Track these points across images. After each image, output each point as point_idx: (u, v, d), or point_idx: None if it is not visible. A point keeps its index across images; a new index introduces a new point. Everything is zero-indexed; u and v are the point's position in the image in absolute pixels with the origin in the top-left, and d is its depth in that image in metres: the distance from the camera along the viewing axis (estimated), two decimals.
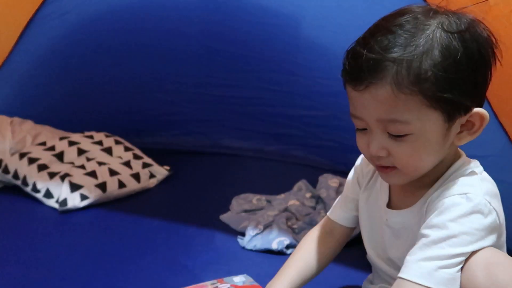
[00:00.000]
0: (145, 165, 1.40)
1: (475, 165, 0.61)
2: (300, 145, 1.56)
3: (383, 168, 0.59)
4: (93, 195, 1.23)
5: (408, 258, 0.56)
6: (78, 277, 0.92)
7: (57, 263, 0.97)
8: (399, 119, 0.54)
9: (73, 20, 1.44)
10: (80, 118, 1.62)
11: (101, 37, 1.48)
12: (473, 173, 0.59)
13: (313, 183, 1.32)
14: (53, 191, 1.23)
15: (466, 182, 0.58)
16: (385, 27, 0.55)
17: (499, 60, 0.58)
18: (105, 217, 1.20)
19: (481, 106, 0.57)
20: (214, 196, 1.33)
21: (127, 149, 1.44)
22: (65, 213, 1.20)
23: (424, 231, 0.56)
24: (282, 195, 1.29)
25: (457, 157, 0.61)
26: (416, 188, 0.61)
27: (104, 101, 1.61)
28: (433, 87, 0.52)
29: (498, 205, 0.58)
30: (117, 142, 1.45)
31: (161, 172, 1.42)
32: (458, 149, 0.62)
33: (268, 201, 1.27)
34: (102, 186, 1.26)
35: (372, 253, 0.69)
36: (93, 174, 1.28)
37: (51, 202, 1.22)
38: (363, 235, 0.70)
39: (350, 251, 0.91)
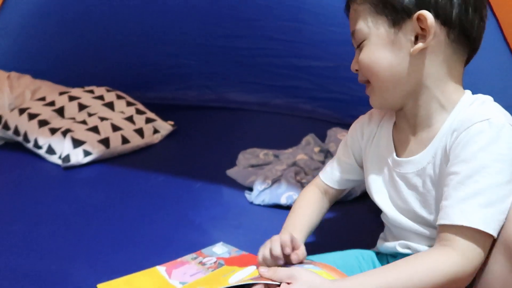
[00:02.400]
0: (149, 120, 1.36)
1: (486, 97, 0.59)
2: (308, 98, 1.51)
3: (361, 81, 0.63)
4: (96, 150, 1.20)
5: (444, 203, 0.54)
6: (83, 233, 0.91)
7: (62, 219, 0.96)
8: (355, 28, 0.61)
9: None
10: (80, 72, 1.57)
11: None
12: (486, 101, 0.58)
13: (322, 137, 1.28)
14: (55, 147, 1.20)
15: (483, 108, 0.56)
16: None
17: None
18: (109, 173, 1.18)
19: (441, 21, 0.57)
20: (220, 151, 1.30)
21: (129, 104, 1.40)
22: (69, 169, 1.18)
23: (453, 168, 0.54)
24: (290, 150, 1.26)
25: (455, 91, 0.59)
26: (422, 131, 0.60)
27: (104, 54, 1.55)
28: None
29: None
30: (118, 97, 1.41)
31: (165, 127, 1.38)
32: (461, 88, 0.60)
33: (276, 156, 1.24)
34: (105, 142, 1.23)
35: (386, 207, 0.64)
36: (95, 129, 1.24)
37: (54, 158, 1.20)
38: (372, 191, 0.66)
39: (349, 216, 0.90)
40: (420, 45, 0.57)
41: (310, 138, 1.33)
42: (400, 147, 0.64)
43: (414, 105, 0.60)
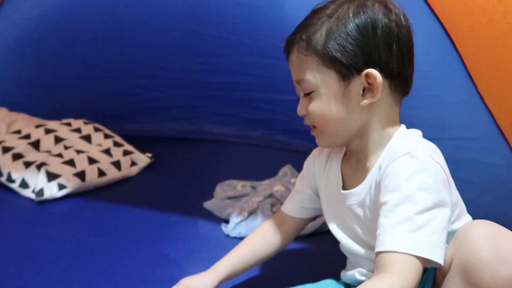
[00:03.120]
0: (126, 153, 1.36)
1: (413, 131, 0.66)
2: (284, 129, 1.54)
3: (311, 129, 0.67)
4: (72, 184, 1.19)
5: (378, 231, 0.58)
6: (55, 269, 0.89)
7: (34, 255, 0.94)
8: (303, 78, 0.63)
9: (49, 3, 1.38)
10: (58, 105, 1.56)
11: (78, 20, 1.42)
12: (411, 135, 0.65)
13: (299, 167, 1.29)
14: (29, 181, 1.19)
15: (407, 143, 0.62)
16: (311, 14, 0.66)
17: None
18: (85, 207, 1.16)
19: (386, 76, 0.62)
20: (198, 183, 1.31)
21: (107, 136, 1.40)
22: (42, 203, 1.16)
23: (383, 198, 0.59)
24: (267, 181, 1.28)
25: (395, 129, 0.65)
26: (363, 165, 0.66)
27: (82, 87, 1.56)
28: (324, 49, 0.62)
29: (441, 159, 0.62)
30: (96, 129, 1.41)
31: (143, 159, 1.38)
32: (399, 123, 0.66)
33: (253, 187, 1.25)
34: (81, 175, 1.22)
35: (340, 236, 0.70)
36: (71, 162, 1.24)
37: (27, 193, 1.18)
38: (327, 220, 0.72)
39: (323, 247, 0.92)
40: (368, 99, 0.62)
41: (287, 169, 1.35)
42: (347, 179, 0.69)
43: (358, 143, 0.66)
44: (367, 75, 0.61)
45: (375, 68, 0.61)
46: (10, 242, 0.99)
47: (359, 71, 0.62)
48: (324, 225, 1.05)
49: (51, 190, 1.17)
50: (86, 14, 1.39)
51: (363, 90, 0.62)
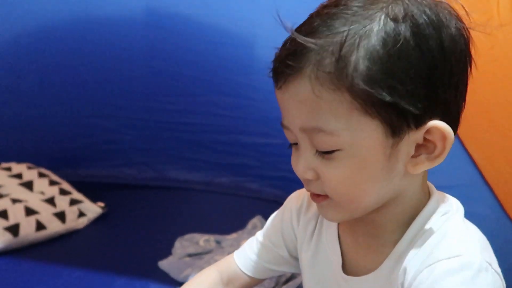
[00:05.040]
0: (74, 202, 1.20)
1: (454, 206, 0.45)
2: (255, 176, 1.42)
3: (314, 196, 0.44)
4: (1, 240, 1.01)
5: None
6: None
7: None
8: (323, 128, 0.40)
9: None
10: (1, 147, 1.40)
11: (30, 50, 1.30)
12: (455, 218, 0.44)
13: None
14: None
15: (452, 237, 0.42)
16: (321, 11, 0.42)
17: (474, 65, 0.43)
18: (15, 267, 0.99)
19: (447, 121, 0.41)
20: (155, 237, 1.15)
21: (52, 183, 1.24)
22: None
23: None
24: (234, 235, 1.14)
25: (425, 193, 0.45)
26: (378, 241, 0.45)
27: (31, 126, 1.41)
28: (366, 84, 0.38)
29: (496, 264, 0.42)
30: (41, 175, 1.25)
31: (93, 209, 1.22)
32: (427, 182, 0.46)
33: (218, 242, 1.11)
34: (14, 229, 1.05)
35: None
36: (3, 214, 1.06)
37: None
38: None
39: None
40: (426, 164, 0.41)
41: (257, 220, 1.22)
42: (349, 257, 0.48)
43: (377, 215, 0.44)
44: (429, 131, 0.40)
45: (438, 118, 0.40)
46: None
47: (418, 121, 0.40)
48: (301, 286, 0.91)
49: None
50: (39, 44, 1.28)
51: (415, 148, 0.41)
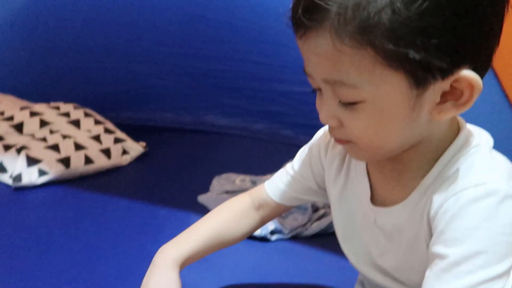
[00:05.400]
0: (118, 140, 1.26)
1: (484, 139, 0.45)
2: (290, 123, 1.43)
3: (338, 140, 0.46)
4: (54, 170, 1.09)
5: None
6: (24, 263, 0.79)
7: (7, 246, 0.84)
8: (345, 82, 0.40)
9: None
10: (49, 89, 1.47)
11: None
12: (483, 150, 0.44)
13: None
14: (7, 165, 1.09)
15: (479, 167, 0.42)
16: None
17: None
18: (68, 196, 1.07)
19: (476, 69, 0.40)
20: (193, 175, 1.21)
21: (97, 122, 1.30)
22: (20, 190, 1.06)
23: (437, 248, 0.41)
24: (269, 175, 1.16)
25: (454, 129, 0.45)
26: (404, 176, 0.46)
27: (76, 71, 1.47)
28: (389, 37, 0.37)
29: None
30: (86, 115, 1.31)
31: (135, 148, 1.28)
32: (457, 117, 0.46)
33: (253, 182, 1.15)
34: (65, 161, 1.12)
35: (356, 261, 0.53)
36: (55, 147, 1.14)
37: (5, 177, 1.08)
38: (340, 237, 0.55)
39: (329, 250, 0.81)
40: (452, 111, 0.41)
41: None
42: (377, 190, 0.49)
43: (405, 154, 0.45)
44: (456, 79, 0.39)
45: (466, 66, 0.39)
46: None
47: (445, 73, 0.39)
48: (331, 225, 0.95)
49: (30, 176, 1.06)
50: None
51: (441, 95, 0.41)
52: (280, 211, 0.63)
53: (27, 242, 0.86)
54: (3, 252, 0.82)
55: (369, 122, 0.41)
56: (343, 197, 0.53)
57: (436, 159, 0.44)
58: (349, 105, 0.41)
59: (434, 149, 0.44)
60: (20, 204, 1.01)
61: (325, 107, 0.43)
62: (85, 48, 1.42)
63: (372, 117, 0.41)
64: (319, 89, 0.44)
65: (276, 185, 0.60)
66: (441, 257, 0.40)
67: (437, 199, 0.42)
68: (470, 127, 0.46)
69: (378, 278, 0.51)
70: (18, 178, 1.06)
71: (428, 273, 0.41)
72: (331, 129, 0.45)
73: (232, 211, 0.62)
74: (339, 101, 0.41)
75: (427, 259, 0.43)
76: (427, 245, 0.44)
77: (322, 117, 0.44)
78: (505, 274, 0.39)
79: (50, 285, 0.73)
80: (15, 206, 1.01)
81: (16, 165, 1.07)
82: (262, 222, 0.63)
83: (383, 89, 0.39)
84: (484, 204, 0.40)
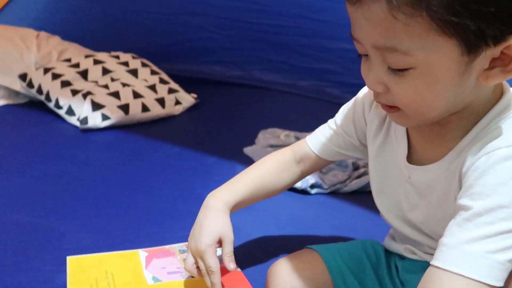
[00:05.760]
0: (171, 91, 1.34)
1: None
2: (337, 82, 1.44)
3: (385, 106, 0.46)
4: (115, 116, 1.19)
5: (444, 240, 0.42)
6: (91, 194, 0.90)
7: (72, 179, 0.95)
8: (397, 48, 0.40)
9: None
10: (109, 39, 1.55)
11: None
12: None
13: None
14: (75, 108, 1.20)
15: None
16: None
17: None
18: (126, 139, 1.17)
19: None
20: (240, 128, 1.27)
21: (153, 72, 1.38)
22: (86, 132, 1.17)
23: (463, 200, 0.42)
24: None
25: (498, 93, 0.45)
26: (443, 137, 0.47)
27: (133, 24, 1.54)
28: (446, 5, 0.37)
29: None
30: (143, 65, 1.39)
31: (187, 99, 1.35)
32: (502, 82, 0.45)
33: (297, 138, 1.19)
34: (125, 108, 1.21)
35: (387, 214, 0.57)
36: (116, 94, 1.23)
37: (73, 120, 1.20)
38: (374, 191, 0.57)
39: (366, 207, 0.84)
40: (500, 76, 0.41)
41: None
42: (415, 149, 0.51)
43: (446, 117, 0.46)
44: (508, 46, 0.40)
45: None
46: (51, 164, 1.01)
47: (498, 40, 0.39)
48: (369, 184, 0.98)
49: (95, 120, 1.17)
50: None
51: (490, 61, 0.41)
52: (320, 165, 0.65)
53: (93, 177, 0.97)
54: (73, 185, 0.93)
55: (417, 88, 0.42)
56: (380, 154, 0.55)
57: (476, 122, 0.45)
58: (398, 71, 0.42)
59: (476, 113, 0.45)
60: (87, 144, 1.13)
61: (372, 73, 0.43)
62: (143, 3, 1.47)
63: (421, 83, 0.41)
64: (366, 55, 0.44)
65: (318, 138, 0.62)
66: (465, 208, 0.42)
67: (470, 157, 0.43)
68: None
69: (406, 230, 0.55)
70: (84, 121, 1.17)
71: (451, 222, 0.43)
72: (376, 95, 0.45)
73: (275, 163, 0.65)
74: (388, 67, 0.42)
75: (454, 214, 0.46)
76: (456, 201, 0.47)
77: (368, 83, 0.44)
78: None
79: (111, 214, 0.84)
80: (82, 146, 1.12)
81: (82, 109, 1.18)
82: (302, 175, 0.65)
83: (435, 56, 0.40)
84: None
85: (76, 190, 0.92)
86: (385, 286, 0.59)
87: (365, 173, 1.00)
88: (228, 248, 0.59)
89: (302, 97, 1.48)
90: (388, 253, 0.62)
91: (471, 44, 0.39)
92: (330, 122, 0.63)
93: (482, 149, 0.43)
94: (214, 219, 0.59)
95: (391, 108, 0.45)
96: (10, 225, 0.79)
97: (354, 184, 0.97)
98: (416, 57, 0.40)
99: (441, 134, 0.48)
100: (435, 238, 0.52)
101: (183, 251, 0.70)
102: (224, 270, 0.59)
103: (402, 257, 0.59)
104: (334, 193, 0.95)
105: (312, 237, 0.79)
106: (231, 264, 0.58)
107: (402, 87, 0.42)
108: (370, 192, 0.61)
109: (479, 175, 0.42)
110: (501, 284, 0.41)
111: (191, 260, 0.59)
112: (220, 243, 0.59)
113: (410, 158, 0.52)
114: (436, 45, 0.39)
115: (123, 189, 0.93)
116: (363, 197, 0.95)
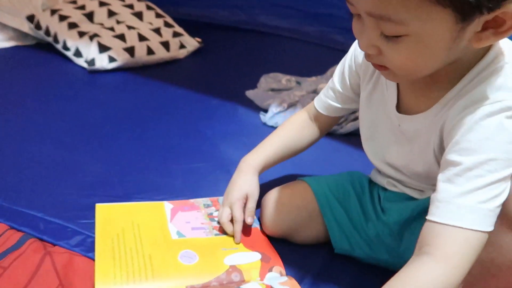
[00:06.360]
0: (176, 34, 1.35)
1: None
2: (341, 28, 1.43)
3: (376, 65, 0.48)
4: (121, 58, 1.22)
5: (438, 196, 0.44)
6: (97, 131, 0.95)
7: (80, 117, 1.00)
8: (392, 18, 0.40)
9: None
10: None
11: None
12: (508, 70, 0.45)
13: None
14: (82, 50, 1.23)
15: (499, 84, 0.44)
16: None
17: None
18: (132, 81, 1.20)
19: None
20: (243, 72, 1.29)
21: (158, 15, 1.38)
22: (94, 73, 1.21)
23: (452, 156, 0.44)
24: (314, 78, 1.23)
25: (487, 47, 0.45)
26: (430, 89, 0.49)
27: None
28: None
29: None
30: (148, 8, 1.39)
31: (192, 43, 1.37)
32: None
33: (298, 83, 1.22)
34: (131, 50, 1.24)
35: (373, 158, 0.61)
36: (121, 37, 1.25)
37: (81, 61, 1.23)
38: (363, 136, 0.61)
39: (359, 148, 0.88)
40: (491, 38, 0.42)
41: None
42: (404, 99, 0.54)
43: (435, 72, 0.47)
44: (503, 12, 0.40)
45: None
46: (61, 103, 1.06)
47: (492, 9, 0.40)
48: None
49: (102, 62, 1.20)
50: None
51: (483, 24, 0.42)
52: (331, 121, 0.69)
53: (100, 116, 1.01)
54: (81, 123, 0.98)
55: (410, 54, 0.43)
56: (370, 101, 0.58)
57: (463, 75, 0.46)
58: (392, 37, 0.42)
59: (464, 66, 0.46)
60: (94, 85, 1.17)
61: (365, 36, 0.44)
62: None
63: (414, 49, 0.42)
64: (359, 15, 0.44)
65: (321, 99, 0.67)
66: (454, 164, 0.44)
67: (454, 113, 0.45)
68: (505, 43, 0.47)
69: (390, 171, 0.60)
70: (92, 62, 1.20)
71: (440, 177, 0.45)
72: (368, 56, 0.46)
73: (294, 124, 0.70)
74: (381, 33, 0.43)
75: (430, 161, 0.51)
76: (434, 150, 0.50)
77: (361, 44, 0.45)
78: (509, 177, 0.44)
79: (121, 148, 0.89)
80: (90, 87, 1.16)
81: (89, 51, 1.21)
82: (321, 133, 0.70)
83: (429, 25, 0.40)
84: (497, 118, 0.43)
85: (87, 126, 0.97)
86: (367, 212, 0.65)
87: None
88: (251, 204, 0.66)
89: (305, 43, 1.48)
90: (373, 184, 0.67)
91: (466, 13, 0.40)
92: (330, 81, 0.67)
93: (467, 104, 0.44)
94: (244, 179, 0.66)
95: (381, 67, 0.47)
96: (34, 155, 0.83)
97: (350, 126, 1.01)
98: (411, 26, 0.40)
99: (429, 85, 0.49)
100: (414, 178, 0.57)
101: (207, 206, 0.73)
102: (248, 232, 0.66)
103: (384, 189, 0.65)
104: (330, 135, 1.00)
105: (306, 173, 0.84)
106: (249, 218, 0.65)
107: (394, 52, 0.43)
108: None
109: (466, 132, 0.44)
110: (493, 228, 0.44)
111: (227, 211, 0.66)
112: (246, 199, 0.66)
113: (399, 107, 0.54)
114: (430, 15, 0.40)
115: (131, 126, 0.98)
116: (358, 139, 0.99)
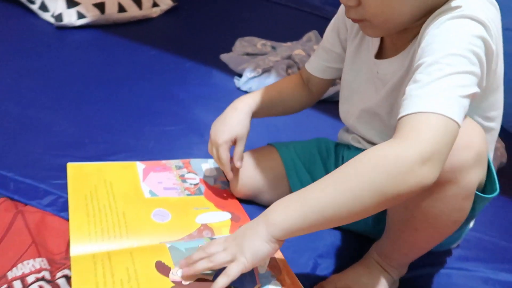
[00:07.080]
0: None
1: None
2: None
3: (354, 20, 0.51)
4: (91, 14, 1.17)
5: (403, 98, 0.45)
6: (67, 91, 0.92)
7: (49, 75, 0.97)
8: None
9: None
10: None
11: None
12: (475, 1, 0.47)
13: None
14: (49, 4, 1.17)
15: (465, 4, 0.47)
16: None
17: None
18: (103, 39, 1.16)
19: None
20: (218, 35, 1.27)
21: None
22: (62, 29, 1.16)
23: (420, 60, 0.45)
24: (289, 43, 1.23)
25: None
26: (408, 34, 0.53)
27: None
28: None
29: (496, 28, 0.47)
30: None
31: (165, 1, 1.33)
32: None
33: (273, 48, 1.21)
34: (100, 7, 1.19)
35: (346, 116, 0.64)
36: None
37: (47, 16, 1.17)
38: (342, 97, 0.64)
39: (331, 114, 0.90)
40: None
41: (312, 34, 1.29)
42: (385, 47, 0.57)
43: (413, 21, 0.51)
44: None
45: None
46: (30, 60, 1.01)
47: None
48: (336, 95, 1.03)
49: (70, 17, 1.15)
50: None
51: None
52: (323, 85, 0.69)
53: (69, 75, 0.98)
54: (50, 81, 0.95)
55: (392, 2, 0.46)
56: (356, 55, 0.60)
57: (432, 12, 0.48)
58: None
59: (435, 3, 0.48)
60: (62, 42, 1.12)
61: None
62: None
63: None
64: None
65: (312, 60, 0.68)
66: (417, 66, 0.45)
67: (423, 30, 0.48)
68: None
69: (360, 128, 0.62)
70: (59, 17, 1.15)
71: (411, 81, 0.45)
72: (348, 9, 0.50)
73: (289, 82, 0.70)
74: None
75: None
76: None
77: None
78: (472, 74, 0.44)
79: (93, 109, 0.87)
80: (60, 43, 1.11)
81: (56, 5, 1.15)
82: (313, 96, 0.70)
83: None
84: (458, 21, 0.45)
85: (56, 84, 0.94)
86: None
87: (335, 84, 1.05)
88: (240, 147, 0.65)
89: (282, 7, 1.47)
90: (338, 146, 0.70)
91: None
92: (320, 42, 0.67)
93: (434, 20, 0.47)
94: (237, 119, 0.64)
95: (360, 20, 0.50)
96: (0, 114, 0.81)
97: (331, 90, 1.02)
98: None
99: (408, 33, 0.52)
100: (386, 118, 0.58)
101: (179, 167, 0.73)
102: (220, 196, 0.67)
103: (348, 148, 0.67)
104: None
105: (278, 139, 0.86)
106: (238, 162, 0.65)
107: (375, 4, 0.47)
108: (337, 102, 0.67)
109: (429, 39, 0.45)
110: (459, 120, 0.43)
111: (224, 152, 0.64)
112: (235, 142, 0.65)
113: (381, 56, 0.57)
114: None
115: (101, 87, 0.96)
116: (330, 106, 1.01)
